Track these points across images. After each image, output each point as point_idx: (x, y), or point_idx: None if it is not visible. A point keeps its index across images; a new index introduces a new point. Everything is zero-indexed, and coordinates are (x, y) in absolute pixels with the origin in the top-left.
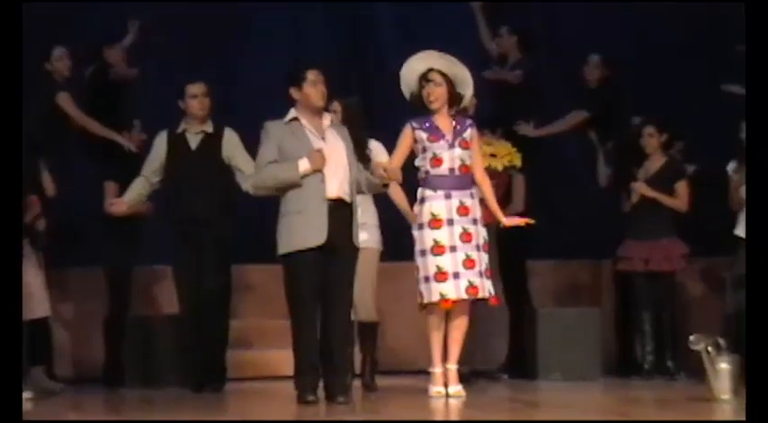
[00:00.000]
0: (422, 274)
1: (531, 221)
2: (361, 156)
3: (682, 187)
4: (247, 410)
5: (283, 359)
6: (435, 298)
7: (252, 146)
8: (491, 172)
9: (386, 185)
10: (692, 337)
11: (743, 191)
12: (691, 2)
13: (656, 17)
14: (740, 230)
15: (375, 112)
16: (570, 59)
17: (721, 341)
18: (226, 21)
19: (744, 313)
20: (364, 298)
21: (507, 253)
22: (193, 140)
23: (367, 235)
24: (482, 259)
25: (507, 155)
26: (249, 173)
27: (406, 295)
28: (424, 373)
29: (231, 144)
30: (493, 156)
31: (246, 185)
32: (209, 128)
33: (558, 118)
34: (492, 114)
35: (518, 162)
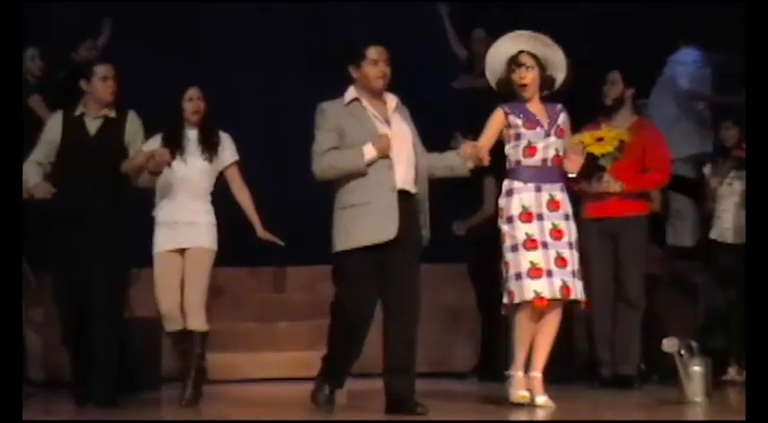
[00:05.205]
0: (512, 270)
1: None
2: (213, 148)
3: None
4: (224, 414)
5: (256, 362)
6: (529, 296)
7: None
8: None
9: (472, 171)
10: (665, 341)
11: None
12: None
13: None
14: (715, 234)
15: None
16: None
17: (694, 344)
18: (198, 24)
19: (718, 315)
20: (197, 304)
21: (478, 256)
22: (92, 125)
23: (199, 234)
24: (574, 258)
25: (593, 144)
26: None
27: None
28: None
29: (133, 128)
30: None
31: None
32: (111, 113)
33: None
34: (462, 120)
35: (602, 149)
